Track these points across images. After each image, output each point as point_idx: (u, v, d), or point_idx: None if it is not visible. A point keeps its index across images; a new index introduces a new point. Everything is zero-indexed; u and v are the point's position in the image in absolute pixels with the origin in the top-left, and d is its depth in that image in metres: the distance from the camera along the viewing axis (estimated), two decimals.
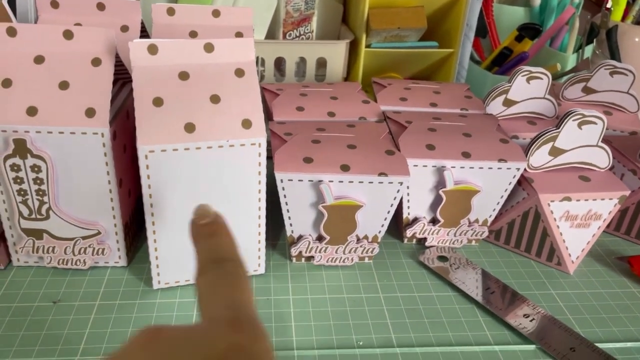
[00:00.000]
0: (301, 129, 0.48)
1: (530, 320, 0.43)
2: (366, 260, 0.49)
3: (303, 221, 0.46)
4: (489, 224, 0.51)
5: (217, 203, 0.41)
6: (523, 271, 0.49)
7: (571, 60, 0.72)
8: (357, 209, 0.44)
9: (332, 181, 0.43)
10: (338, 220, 0.45)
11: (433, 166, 0.47)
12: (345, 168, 0.43)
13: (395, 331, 0.42)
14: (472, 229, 0.50)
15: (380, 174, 0.43)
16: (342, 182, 0.43)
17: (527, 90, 0.56)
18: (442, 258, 0.50)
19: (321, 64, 0.71)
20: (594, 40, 0.75)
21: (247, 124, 0.40)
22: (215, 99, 0.40)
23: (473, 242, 0.52)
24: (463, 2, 0.67)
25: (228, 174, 0.41)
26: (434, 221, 0.50)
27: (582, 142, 0.48)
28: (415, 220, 0.50)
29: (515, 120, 0.57)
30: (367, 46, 0.69)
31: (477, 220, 0.50)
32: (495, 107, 0.57)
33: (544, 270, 0.50)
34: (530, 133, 0.55)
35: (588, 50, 0.74)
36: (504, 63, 0.71)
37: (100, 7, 0.49)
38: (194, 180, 0.40)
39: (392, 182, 0.44)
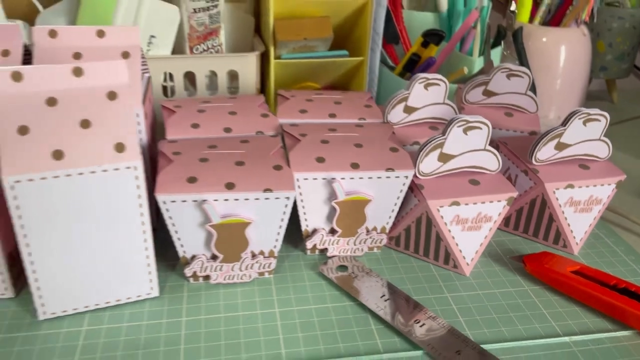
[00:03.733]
0: (192, 147, 0.47)
1: (421, 326, 0.44)
2: (266, 275, 0.49)
3: (193, 241, 0.45)
4: (387, 231, 0.51)
5: (97, 230, 0.41)
6: (421, 276, 0.50)
7: (478, 63, 0.74)
8: (246, 226, 0.44)
9: (217, 200, 0.43)
10: (228, 238, 0.45)
11: (323, 178, 0.47)
12: (230, 186, 0.43)
13: (286, 346, 0.42)
14: (370, 237, 0.51)
15: (266, 190, 0.43)
16: (227, 200, 0.43)
17: (426, 96, 0.58)
18: (343, 268, 0.50)
19: (233, 76, 0.70)
20: (502, 42, 0.77)
21: (120, 147, 0.39)
22: (85, 123, 0.39)
23: (375, 250, 0.53)
24: (368, 11, 0.68)
25: (105, 201, 0.40)
26: (332, 231, 0.50)
27: (469, 147, 0.49)
28: (315, 231, 0.50)
29: (416, 126, 0.58)
30: (277, 58, 0.69)
31: (375, 229, 0.51)
32: (396, 114, 0.58)
33: (441, 274, 0.51)
34: None
35: (497, 53, 0.76)
36: (414, 69, 0.72)
37: None
38: (69, 208, 0.39)
39: (278, 198, 0.44)
